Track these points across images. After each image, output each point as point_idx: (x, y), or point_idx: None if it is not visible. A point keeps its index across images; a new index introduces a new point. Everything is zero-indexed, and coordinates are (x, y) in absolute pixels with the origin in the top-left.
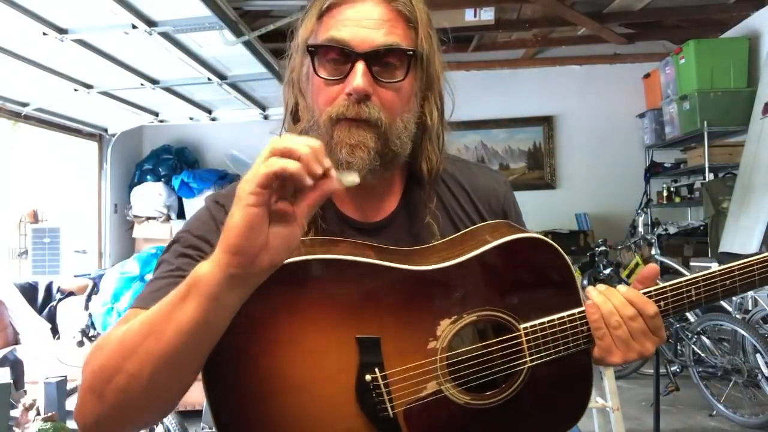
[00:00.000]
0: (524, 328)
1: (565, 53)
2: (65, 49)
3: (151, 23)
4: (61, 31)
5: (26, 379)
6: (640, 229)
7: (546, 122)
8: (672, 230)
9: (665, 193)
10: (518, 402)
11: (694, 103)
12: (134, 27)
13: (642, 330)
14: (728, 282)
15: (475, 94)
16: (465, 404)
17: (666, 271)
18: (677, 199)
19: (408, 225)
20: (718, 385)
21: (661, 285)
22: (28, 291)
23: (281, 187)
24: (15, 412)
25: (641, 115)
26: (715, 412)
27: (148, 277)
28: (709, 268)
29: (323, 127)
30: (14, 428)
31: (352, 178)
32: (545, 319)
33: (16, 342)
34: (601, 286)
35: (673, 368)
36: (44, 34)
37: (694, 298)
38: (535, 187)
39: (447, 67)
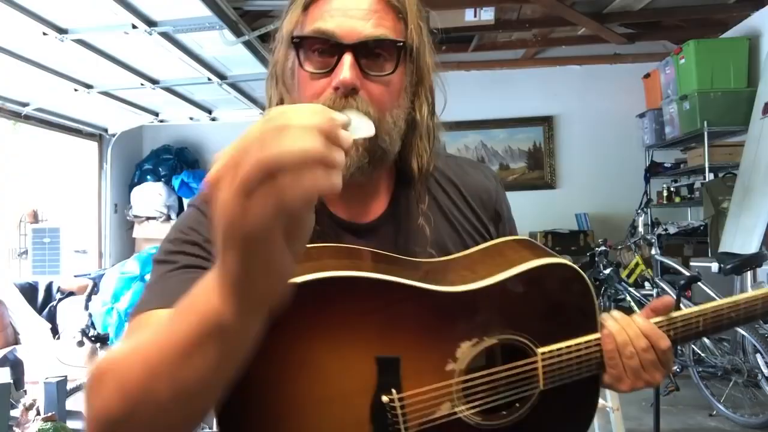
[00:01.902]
0: (542, 353)
1: (565, 53)
2: (65, 49)
3: (151, 23)
4: (61, 31)
5: (26, 379)
6: (640, 229)
7: (546, 122)
8: (672, 230)
9: (665, 193)
10: (527, 424)
11: (694, 103)
12: (134, 27)
13: (653, 362)
14: (733, 314)
15: (475, 94)
16: (476, 425)
17: (666, 271)
18: (677, 199)
19: (398, 226)
20: (718, 385)
21: (673, 315)
22: (28, 291)
23: None
24: (15, 412)
25: (641, 115)
26: (715, 412)
27: (148, 276)
28: (709, 268)
29: None
30: (14, 428)
31: (366, 128)
32: (563, 345)
33: (16, 342)
34: (616, 313)
35: (673, 368)
36: (44, 34)
37: (701, 329)
38: (535, 187)
39: (439, 63)
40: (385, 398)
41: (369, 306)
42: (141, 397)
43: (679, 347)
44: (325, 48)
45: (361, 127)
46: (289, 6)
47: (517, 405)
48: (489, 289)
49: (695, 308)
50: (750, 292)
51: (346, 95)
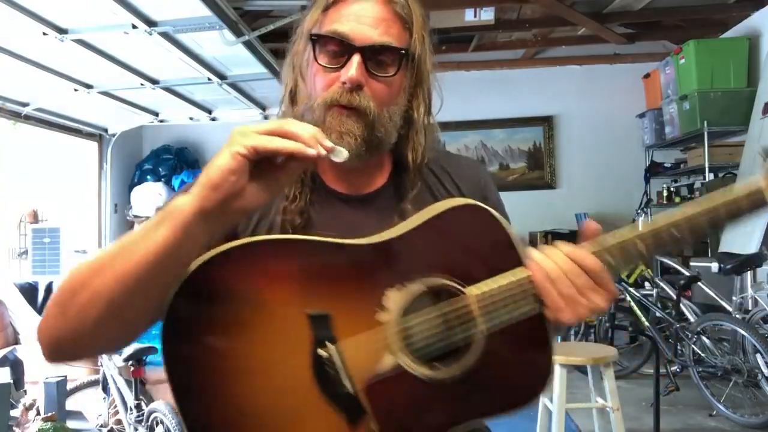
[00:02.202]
0: (471, 293)
1: (565, 53)
2: (65, 49)
3: (151, 23)
4: (61, 31)
5: (26, 379)
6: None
7: (546, 122)
8: None
9: (665, 193)
10: (479, 373)
11: (694, 103)
12: (134, 27)
13: (587, 284)
14: (676, 232)
15: (475, 94)
16: (425, 377)
17: (666, 271)
18: (677, 199)
19: (394, 201)
20: (718, 385)
21: (606, 239)
22: (28, 291)
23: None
24: (15, 412)
25: (641, 115)
26: (715, 412)
27: None
28: (709, 268)
29: (317, 111)
30: (14, 428)
31: (344, 154)
32: (491, 281)
33: (16, 342)
34: (542, 246)
35: (673, 368)
36: (44, 34)
37: (644, 251)
38: (535, 187)
39: (438, 66)
40: (321, 351)
41: (292, 267)
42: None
43: (679, 347)
44: (337, 47)
45: (339, 155)
46: (311, 6)
47: (462, 354)
48: (403, 237)
49: (634, 232)
50: (691, 207)
51: (352, 90)
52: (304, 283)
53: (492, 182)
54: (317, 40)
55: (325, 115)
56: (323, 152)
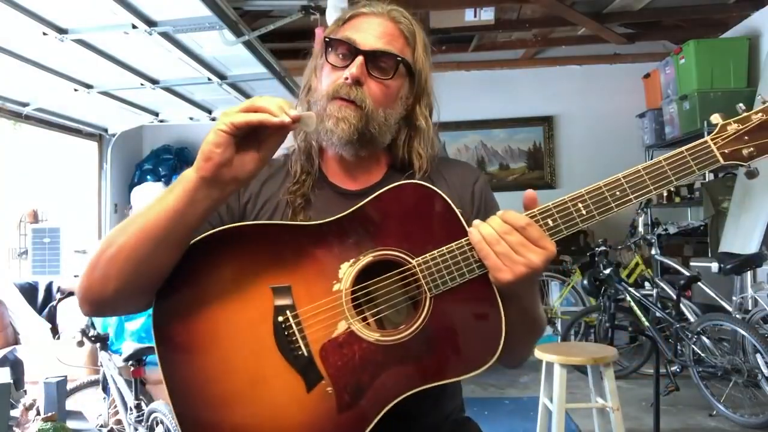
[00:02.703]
0: (417, 262)
1: (565, 53)
2: (65, 49)
3: (151, 23)
4: (61, 31)
5: (26, 379)
6: (640, 229)
7: (546, 122)
8: (672, 230)
9: (665, 193)
10: (428, 335)
11: (694, 103)
12: (134, 27)
13: (520, 242)
14: (617, 192)
15: (475, 94)
16: (375, 341)
17: (666, 271)
18: (677, 199)
19: None
20: (718, 385)
21: (546, 205)
22: (28, 291)
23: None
24: (15, 412)
25: (641, 115)
26: (715, 412)
27: None
28: (709, 268)
29: (322, 102)
30: (14, 428)
31: (312, 120)
32: (435, 251)
33: (16, 342)
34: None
35: (673, 368)
36: (44, 34)
37: (584, 212)
38: (535, 187)
39: (438, 66)
40: (280, 318)
41: (261, 247)
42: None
43: (679, 347)
44: (346, 50)
45: (308, 122)
46: (334, 22)
47: (411, 318)
48: (353, 214)
49: (572, 194)
50: (634, 168)
51: (352, 85)
52: (270, 260)
53: (487, 186)
54: (330, 42)
55: (328, 105)
56: (287, 119)
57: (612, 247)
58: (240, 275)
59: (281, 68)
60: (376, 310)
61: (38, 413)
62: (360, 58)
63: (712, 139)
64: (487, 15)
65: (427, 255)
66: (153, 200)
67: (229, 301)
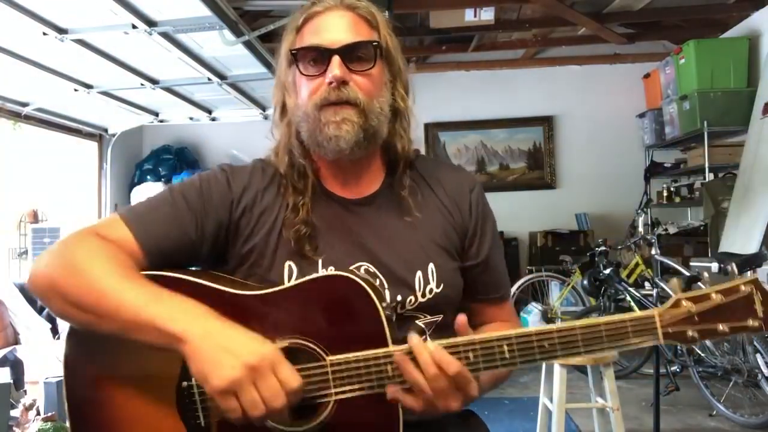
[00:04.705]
0: (330, 360)
1: (565, 53)
2: (65, 49)
3: (151, 23)
4: (61, 31)
5: (26, 379)
6: (640, 229)
7: (546, 122)
8: (672, 230)
9: (665, 193)
10: None
11: (694, 103)
12: (134, 27)
13: (446, 389)
14: (546, 344)
15: (475, 94)
16: (272, 428)
17: (666, 271)
18: (677, 199)
19: (390, 201)
20: (718, 385)
21: (474, 337)
22: (28, 291)
23: None
24: (15, 412)
25: (641, 115)
26: (715, 412)
27: None
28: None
29: (311, 113)
30: (14, 428)
31: None
32: (351, 355)
33: (16, 342)
34: (414, 337)
35: (673, 368)
36: (44, 34)
37: (507, 356)
38: (535, 187)
39: (438, 66)
40: (185, 383)
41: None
42: (63, 290)
43: (679, 347)
44: (317, 56)
45: None
46: (285, 32)
47: (314, 413)
48: (279, 294)
49: (499, 333)
50: (569, 323)
51: (338, 87)
52: None
53: (481, 195)
54: (297, 54)
55: (320, 115)
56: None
57: (612, 247)
58: None
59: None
60: None
61: (38, 413)
62: (336, 58)
63: (659, 315)
64: (487, 15)
65: (341, 356)
66: (149, 302)
67: (138, 354)
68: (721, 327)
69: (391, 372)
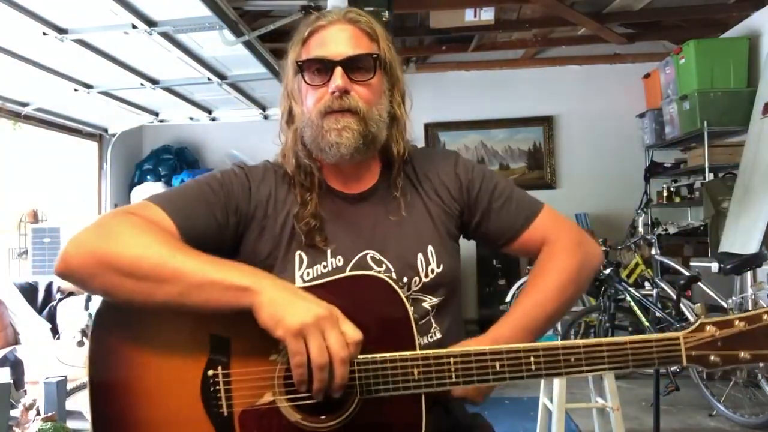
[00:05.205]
0: (357, 361)
1: (565, 53)
2: (65, 49)
3: (151, 23)
4: (61, 31)
5: (26, 379)
6: (640, 229)
7: (546, 122)
8: (672, 230)
9: (665, 193)
10: None
11: (694, 103)
12: (134, 27)
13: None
14: (573, 358)
15: (475, 94)
16: (296, 422)
17: (666, 271)
18: (677, 199)
19: (384, 198)
20: (718, 385)
21: (500, 347)
22: (28, 291)
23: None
24: (15, 412)
25: (641, 115)
26: (715, 412)
27: None
28: (709, 268)
29: (315, 120)
30: (14, 428)
31: None
32: (378, 356)
33: (16, 342)
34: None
35: (673, 368)
36: (44, 34)
37: (533, 367)
38: (535, 187)
39: (438, 66)
40: (210, 372)
41: None
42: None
43: None
44: (321, 66)
45: None
46: (291, 43)
47: (336, 411)
48: (312, 290)
49: (529, 345)
50: (596, 340)
51: (341, 96)
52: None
53: (476, 165)
54: (303, 65)
55: (322, 122)
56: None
57: (612, 247)
58: (183, 314)
59: (281, 68)
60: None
61: (38, 413)
62: (339, 69)
63: (684, 337)
64: (487, 15)
65: (368, 356)
66: (210, 267)
67: (168, 336)
68: (742, 354)
69: (417, 375)
